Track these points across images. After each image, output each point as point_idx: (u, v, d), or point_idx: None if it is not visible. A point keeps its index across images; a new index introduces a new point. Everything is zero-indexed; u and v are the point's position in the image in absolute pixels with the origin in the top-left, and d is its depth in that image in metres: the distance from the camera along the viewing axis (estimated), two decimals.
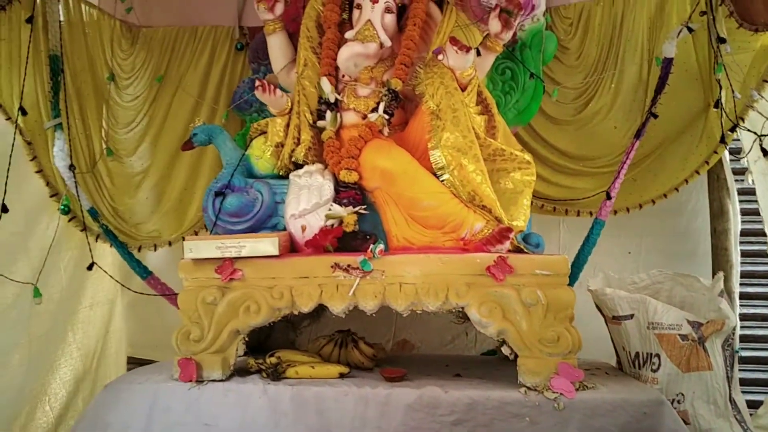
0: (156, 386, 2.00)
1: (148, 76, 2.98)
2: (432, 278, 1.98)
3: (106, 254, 2.83)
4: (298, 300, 2.02)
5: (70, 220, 2.59)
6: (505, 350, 1.99)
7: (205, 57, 2.97)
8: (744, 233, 2.92)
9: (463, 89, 2.25)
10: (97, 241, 2.71)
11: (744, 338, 2.95)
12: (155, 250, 2.94)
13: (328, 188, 2.23)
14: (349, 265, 2.00)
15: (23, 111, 2.37)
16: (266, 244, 2.01)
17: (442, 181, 2.15)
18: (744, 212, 2.91)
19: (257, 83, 2.32)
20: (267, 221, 2.27)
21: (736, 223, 2.83)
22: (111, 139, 2.90)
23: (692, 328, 2.04)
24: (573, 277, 2.43)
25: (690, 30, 2.47)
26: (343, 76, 2.44)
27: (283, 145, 2.37)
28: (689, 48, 2.68)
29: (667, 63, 2.49)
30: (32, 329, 2.47)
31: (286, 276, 2.03)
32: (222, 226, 2.25)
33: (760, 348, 3.09)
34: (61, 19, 2.60)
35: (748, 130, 2.45)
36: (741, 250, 2.86)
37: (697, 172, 2.69)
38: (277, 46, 2.57)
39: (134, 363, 3.17)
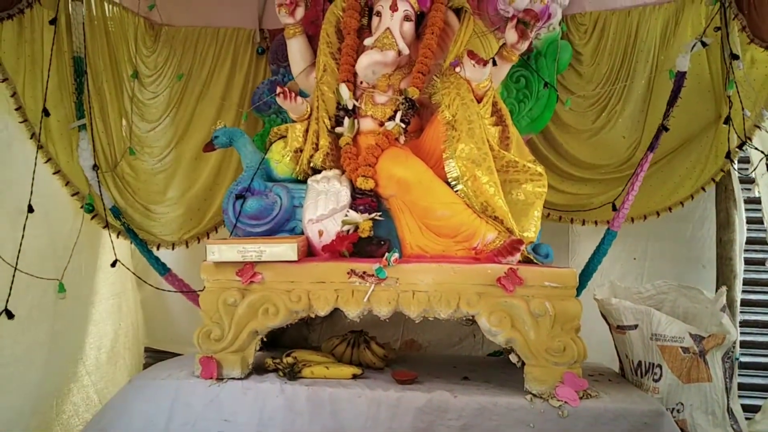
0: (178, 382, 2.10)
1: (170, 74, 3.03)
2: (444, 287, 2.05)
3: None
4: (315, 304, 2.10)
5: (92, 218, 2.66)
6: (512, 358, 2.07)
7: (228, 59, 3.02)
8: (749, 241, 2.98)
9: (479, 100, 2.30)
10: (118, 237, 2.78)
11: (744, 344, 3.04)
12: (173, 248, 3.01)
13: (345, 194, 2.30)
14: (364, 272, 2.08)
15: (46, 112, 2.41)
16: (286, 250, 2.09)
17: (456, 191, 2.21)
18: (750, 221, 2.97)
19: (279, 90, 2.38)
20: (285, 224, 2.35)
21: (741, 233, 2.89)
22: (135, 136, 2.96)
23: (694, 341, 2.11)
24: (582, 285, 2.51)
25: (704, 44, 2.50)
26: (361, 82, 2.49)
27: (302, 151, 2.44)
28: (702, 60, 2.71)
29: (680, 76, 2.53)
30: (54, 326, 2.54)
31: (304, 280, 2.11)
32: (242, 228, 2.33)
33: (760, 354, 3.15)
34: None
35: (756, 149, 2.49)
36: (745, 258, 2.92)
37: (703, 189, 2.73)
38: (296, 49, 2.63)
39: (151, 353, 3.30)
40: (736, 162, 2.70)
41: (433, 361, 2.56)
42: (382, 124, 2.44)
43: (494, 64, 2.38)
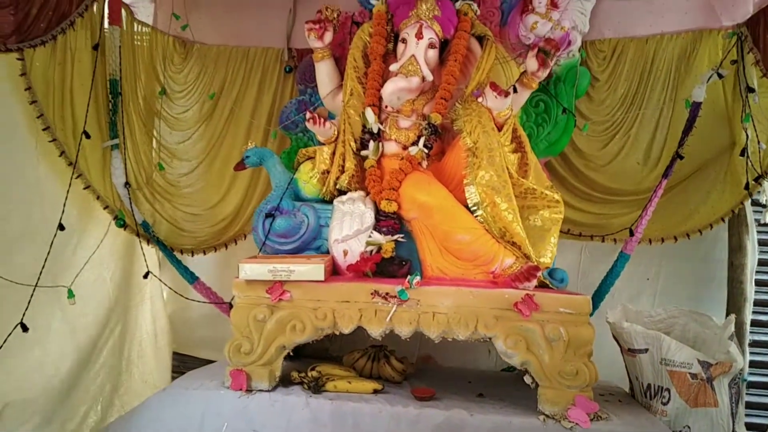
0: (209, 393, 2.22)
1: (200, 91, 3.16)
2: (463, 310, 2.15)
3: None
4: (339, 322, 2.21)
5: (124, 228, 2.77)
6: (527, 379, 2.17)
7: (257, 78, 3.13)
8: (761, 263, 3.05)
9: (500, 128, 2.40)
10: (149, 244, 2.90)
11: (753, 364, 3.11)
12: (192, 255, 3.12)
13: (369, 216, 2.41)
14: (387, 293, 2.19)
15: (87, 134, 2.49)
16: (314, 270, 2.20)
17: (476, 216, 2.31)
18: (762, 242, 3.04)
19: (308, 115, 2.49)
20: (312, 243, 2.47)
21: (753, 256, 2.96)
22: (164, 149, 3.09)
23: (702, 368, 2.20)
24: (594, 306, 2.60)
25: (720, 76, 2.57)
26: (386, 106, 2.60)
27: (328, 172, 2.55)
28: (718, 87, 2.77)
29: (696, 107, 2.60)
30: (78, 335, 2.71)
31: (330, 299, 2.22)
32: (270, 245, 2.45)
33: (767, 374, 3.22)
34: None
35: None
36: (756, 279, 2.99)
37: (723, 220, 2.79)
38: (324, 72, 2.74)
39: (177, 356, 3.45)
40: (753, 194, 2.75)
41: (449, 376, 2.67)
42: (405, 148, 2.55)
43: (515, 91, 2.47)
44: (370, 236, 2.37)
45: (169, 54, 3.12)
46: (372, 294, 2.20)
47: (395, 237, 2.36)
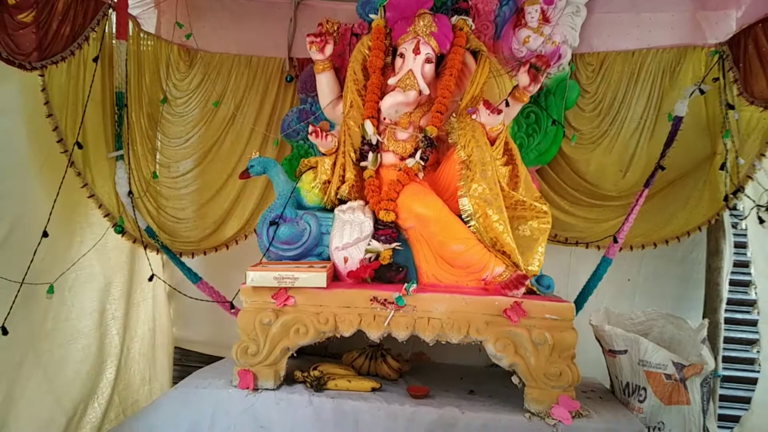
0: (218, 392, 2.37)
1: (202, 97, 3.26)
2: (456, 315, 2.31)
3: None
4: (340, 325, 2.37)
5: (122, 236, 2.85)
6: (514, 380, 2.34)
7: (260, 86, 3.24)
8: (736, 264, 3.23)
9: (492, 142, 2.54)
10: (146, 250, 2.98)
11: (727, 359, 3.31)
12: (192, 257, 3.24)
13: (368, 225, 2.55)
14: (386, 299, 2.34)
15: (79, 145, 2.54)
16: (317, 277, 2.34)
17: (469, 226, 2.46)
18: (737, 245, 3.21)
19: (311, 129, 2.63)
20: (314, 249, 2.61)
21: (729, 260, 3.14)
22: (163, 155, 3.19)
23: (676, 369, 2.37)
24: (579, 307, 2.76)
25: (702, 92, 2.70)
26: (384, 118, 2.73)
27: (330, 182, 2.68)
28: (701, 102, 2.92)
29: (678, 121, 2.73)
30: (81, 336, 2.85)
31: (332, 304, 2.37)
32: (274, 252, 2.59)
33: (741, 369, 3.41)
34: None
35: (748, 197, 2.73)
36: (731, 279, 3.18)
37: (699, 229, 2.96)
38: (325, 83, 2.86)
39: (180, 350, 3.61)
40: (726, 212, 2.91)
41: (441, 372, 2.84)
42: (402, 158, 2.69)
43: (507, 105, 2.60)
44: (369, 244, 2.51)
45: (174, 61, 3.21)
46: (371, 300, 2.35)
47: (393, 245, 2.51)
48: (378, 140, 2.71)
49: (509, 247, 2.41)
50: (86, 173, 2.67)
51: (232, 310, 2.90)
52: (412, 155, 2.66)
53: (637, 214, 2.79)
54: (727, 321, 3.21)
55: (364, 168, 2.70)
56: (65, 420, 2.73)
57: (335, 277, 2.55)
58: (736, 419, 3.20)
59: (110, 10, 2.68)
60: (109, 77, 2.75)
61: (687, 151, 2.96)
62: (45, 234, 2.43)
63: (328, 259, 2.58)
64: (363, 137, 2.72)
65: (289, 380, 2.50)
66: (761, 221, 2.67)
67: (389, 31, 2.79)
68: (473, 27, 2.88)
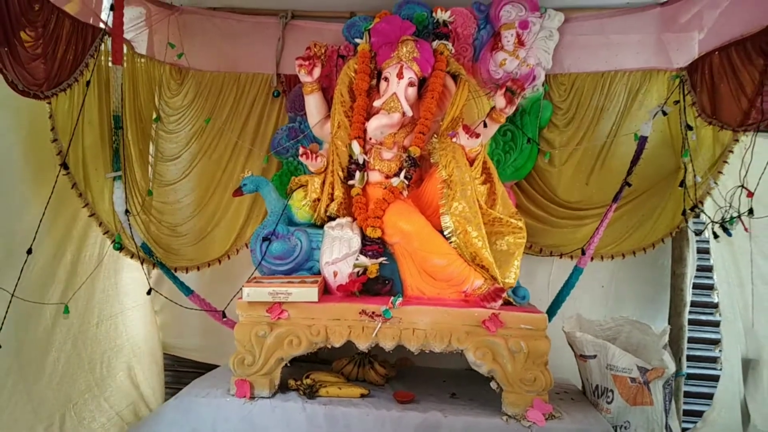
0: (217, 400, 2.53)
1: (194, 114, 3.37)
2: (439, 326, 2.49)
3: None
4: (331, 337, 2.53)
5: (120, 251, 2.93)
6: (493, 385, 2.53)
7: (248, 102, 3.36)
8: (699, 269, 3.46)
9: (471, 163, 2.71)
10: (143, 264, 3.08)
11: (691, 358, 3.54)
12: (186, 272, 3.34)
13: (356, 241, 2.71)
14: (373, 312, 2.51)
15: (65, 166, 2.59)
16: (309, 293, 2.51)
17: (450, 242, 2.63)
18: (700, 250, 3.44)
19: (301, 151, 2.79)
20: (305, 264, 2.77)
21: (692, 266, 3.37)
22: (157, 172, 3.31)
23: (640, 373, 2.58)
24: (552, 313, 2.98)
25: (664, 113, 2.90)
26: (370, 138, 2.89)
27: (319, 200, 2.84)
28: (664, 121, 3.11)
29: (643, 140, 2.93)
30: (65, 344, 2.94)
31: (323, 317, 2.53)
32: (267, 266, 2.74)
33: (705, 367, 3.65)
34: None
35: (704, 213, 2.95)
36: (694, 283, 3.39)
37: (663, 241, 3.17)
38: (313, 104, 3.01)
39: (171, 357, 3.75)
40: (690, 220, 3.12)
41: (425, 376, 3.02)
42: (388, 177, 2.85)
43: (485, 126, 2.77)
44: (357, 259, 2.67)
45: (165, 80, 3.32)
46: (360, 313, 2.52)
47: (379, 260, 2.68)
48: (364, 159, 2.87)
49: (487, 261, 2.59)
50: (87, 194, 2.76)
51: (224, 319, 3.03)
52: (397, 174, 2.82)
53: (606, 227, 2.99)
54: (692, 322, 3.43)
55: (352, 186, 2.86)
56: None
57: (325, 290, 2.71)
58: (699, 414, 3.44)
59: (106, 36, 2.78)
60: (106, 101, 2.84)
61: (654, 166, 3.14)
62: (29, 251, 2.47)
63: (319, 273, 2.74)
64: (350, 156, 2.88)
65: (283, 388, 2.66)
66: (716, 236, 2.89)
67: (374, 54, 2.95)
68: (453, 51, 3.05)
